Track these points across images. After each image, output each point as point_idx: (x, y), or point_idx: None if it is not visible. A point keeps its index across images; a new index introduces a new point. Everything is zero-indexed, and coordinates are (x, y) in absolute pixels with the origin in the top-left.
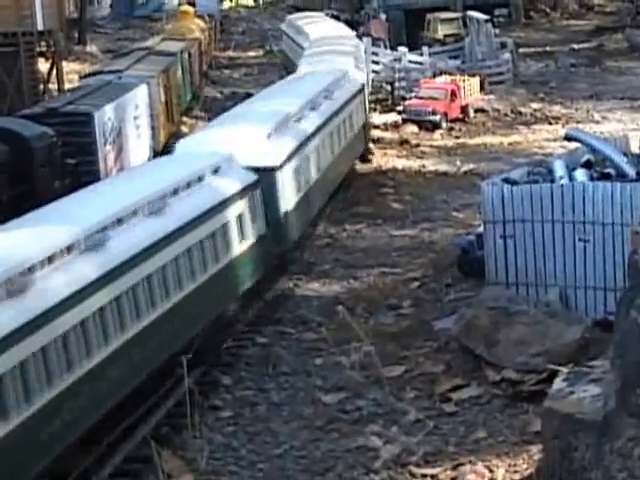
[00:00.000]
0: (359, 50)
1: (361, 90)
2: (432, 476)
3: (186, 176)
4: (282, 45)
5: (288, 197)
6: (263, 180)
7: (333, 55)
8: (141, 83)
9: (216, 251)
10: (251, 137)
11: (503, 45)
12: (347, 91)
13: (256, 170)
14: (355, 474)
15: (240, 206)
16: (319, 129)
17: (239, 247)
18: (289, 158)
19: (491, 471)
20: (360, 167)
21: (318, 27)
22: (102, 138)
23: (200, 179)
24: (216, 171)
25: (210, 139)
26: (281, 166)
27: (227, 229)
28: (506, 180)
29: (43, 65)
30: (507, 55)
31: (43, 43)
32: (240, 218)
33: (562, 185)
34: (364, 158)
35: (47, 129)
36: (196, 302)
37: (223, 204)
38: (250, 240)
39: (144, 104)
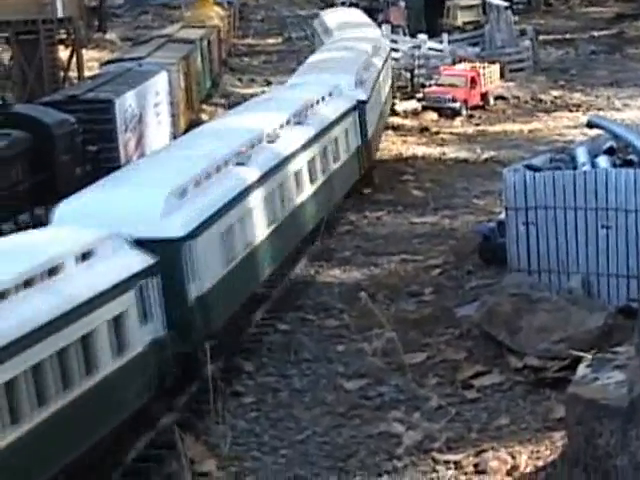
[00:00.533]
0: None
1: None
2: (455, 462)
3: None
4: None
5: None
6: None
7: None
8: (161, 70)
9: None
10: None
11: (523, 32)
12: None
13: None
14: (377, 460)
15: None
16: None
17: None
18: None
19: (514, 457)
20: (380, 154)
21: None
22: (123, 125)
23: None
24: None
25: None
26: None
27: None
28: (529, 167)
29: (63, 53)
30: (527, 42)
31: (63, 31)
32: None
33: (585, 172)
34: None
35: (68, 116)
36: None
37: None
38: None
39: (164, 91)
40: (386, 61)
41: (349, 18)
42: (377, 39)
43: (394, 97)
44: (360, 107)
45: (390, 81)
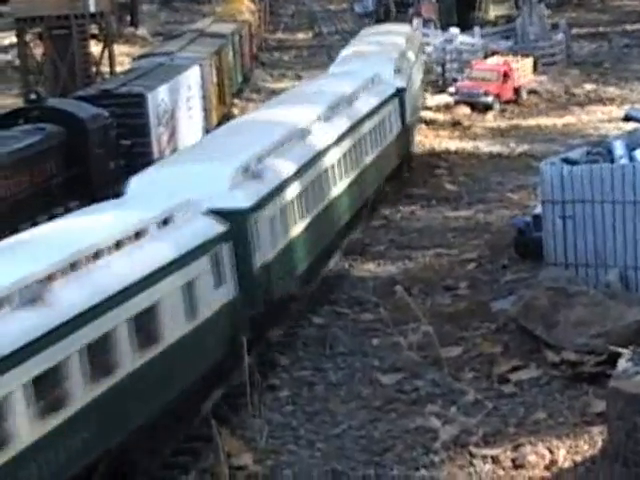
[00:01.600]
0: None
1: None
2: (492, 457)
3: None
4: None
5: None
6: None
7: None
8: (193, 65)
9: None
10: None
11: (555, 26)
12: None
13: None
14: (414, 454)
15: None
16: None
17: None
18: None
19: (552, 452)
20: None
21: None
22: (155, 119)
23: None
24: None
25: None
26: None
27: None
28: (565, 160)
29: (95, 48)
30: (560, 36)
31: (94, 26)
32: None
33: (622, 165)
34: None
35: (102, 110)
36: None
37: None
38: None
39: (196, 86)
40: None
41: None
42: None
43: (425, 90)
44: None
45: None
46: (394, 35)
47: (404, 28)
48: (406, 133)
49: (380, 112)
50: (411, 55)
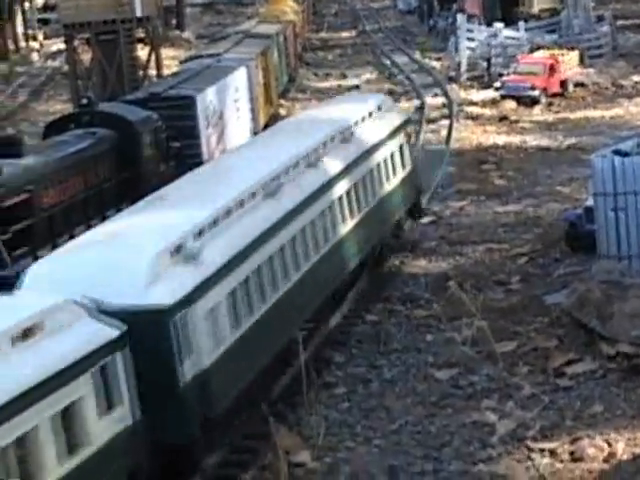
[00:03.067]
0: None
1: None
2: (550, 450)
3: None
4: None
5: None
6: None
7: None
8: (240, 66)
9: None
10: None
11: (600, 18)
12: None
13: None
14: (472, 449)
15: None
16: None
17: None
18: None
19: (610, 445)
20: (461, 144)
21: None
22: (204, 121)
23: None
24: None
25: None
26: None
27: None
28: (617, 152)
29: (141, 52)
30: (605, 28)
31: (141, 30)
32: None
33: None
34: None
35: (152, 113)
36: None
37: None
38: None
39: (244, 87)
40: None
41: None
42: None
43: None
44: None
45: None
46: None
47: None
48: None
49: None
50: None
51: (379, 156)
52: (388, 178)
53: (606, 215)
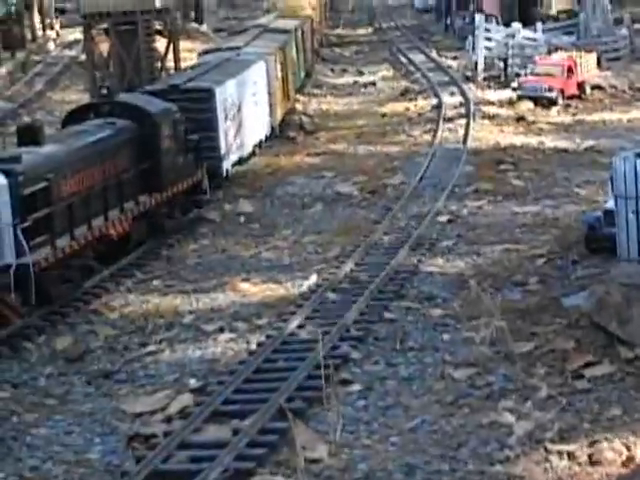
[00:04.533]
0: None
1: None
2: (568, 453)
3: None
4: None
5: None
6: None
7: None
8: (259, 60)
9: None
10: None
11: (619, 20)
12: None
13: None
14: (489, 449)
15: None
16: None
17: None
18: None
19: (629, 449)
20: (478, 144)
21: None
22: (222, 114)
23: None
24: None
25: None
26: None
27: None
28: (639, 155)
29: (159, 43)
30: (624, 30)
31: (159, 22)
32: None
33: None
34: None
35: (171, 105)
36: None
37: None
38: None
39: (262, 81)
40: None
41: None
42: None
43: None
44: None
45: None
46: None
47: None
48: None
49: None
50: None
51: None
52: None
53: (627, 218)
